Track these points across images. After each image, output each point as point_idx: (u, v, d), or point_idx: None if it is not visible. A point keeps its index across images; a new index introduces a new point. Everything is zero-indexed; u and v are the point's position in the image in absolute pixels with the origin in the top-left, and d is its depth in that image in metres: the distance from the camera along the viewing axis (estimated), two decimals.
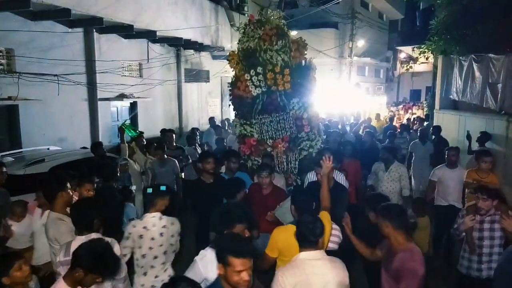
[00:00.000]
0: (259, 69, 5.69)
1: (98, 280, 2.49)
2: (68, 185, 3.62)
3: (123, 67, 9.62)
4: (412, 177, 7.82)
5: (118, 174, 5.16)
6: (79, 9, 7.25)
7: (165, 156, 6.38)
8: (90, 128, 8.76)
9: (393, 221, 2.87)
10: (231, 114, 14.26)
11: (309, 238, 2.62)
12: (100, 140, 8.32)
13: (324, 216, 3.26)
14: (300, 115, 5.77)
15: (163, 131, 8.07)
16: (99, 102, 8.80)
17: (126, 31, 8.82)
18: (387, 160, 5.90)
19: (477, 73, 8.73)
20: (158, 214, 3.40)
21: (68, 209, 3.58)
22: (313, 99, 6.03)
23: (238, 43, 6.06)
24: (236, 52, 6.04)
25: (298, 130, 5.80)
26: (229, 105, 6.13)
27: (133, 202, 5.12)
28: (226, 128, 10.71)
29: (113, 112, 9.79)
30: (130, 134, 6.94)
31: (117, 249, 3.06)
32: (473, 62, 8.86)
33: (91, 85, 8.56)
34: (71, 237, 3.17)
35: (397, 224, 2.86)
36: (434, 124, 10.39)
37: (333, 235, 3.33)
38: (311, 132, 5.86)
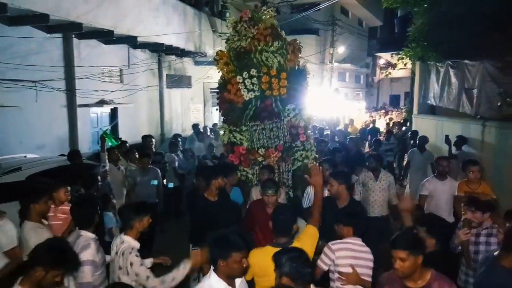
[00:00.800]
0: (253, 71, 5.24)
1: (58, 279, 2.46)
2: (45, 196, 3.57)
3: (103, 73, 9.50)
4: (408, 187, 7.66)
5: (99, 183, 5.10)
6: (58, 14, 7.14)
7: (149, 165, 6.18)
8: (69, 135, 8.58)
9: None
10: (214, 119, 14.26)
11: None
12: (79, 147, 8.18)
13: (308, 233, 3.08)
14: (296, 123, 5.38)
15: (144, 137, 8.01)
16: (78, 109, 8.64)
17: (107, 36, 8.72)
18: (375, 168, 5.66)
19: (453, 79, 9.00)
20: (130, 244, 3.07)
21: (43, 220, 3.55)
22: (309, 106, 5.71)
23: (227, 42, 5.57)
24: (225, 52, 5.54)
25: (293, 139, 5.39)
26: (217, 109, 5.78)
27: (114, 210, 5.04)
28: (209, 133, 10.69)
29: (93, 118, 9.64)
30: (110, 143, 6.81)
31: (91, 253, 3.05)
32: (449, 68, 9.13)
33: (70, 91, 8.41)
34: None
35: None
36: (412, 129, 10.63)
37: (363, 265, 3.04)
38: (307, 142, 5.46)
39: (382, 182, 5.57)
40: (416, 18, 9.78)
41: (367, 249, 3.13)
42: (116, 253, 3.08)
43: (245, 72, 5.24)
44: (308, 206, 4.54)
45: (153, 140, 7.93)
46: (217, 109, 5.75)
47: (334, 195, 3.89)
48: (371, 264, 3.10)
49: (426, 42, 9.26)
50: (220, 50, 5.65)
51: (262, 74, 5.21)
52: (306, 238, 3.05)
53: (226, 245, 2.44)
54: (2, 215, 3.49)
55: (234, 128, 5.45)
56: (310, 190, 4.57)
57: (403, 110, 15.31)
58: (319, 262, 3.08)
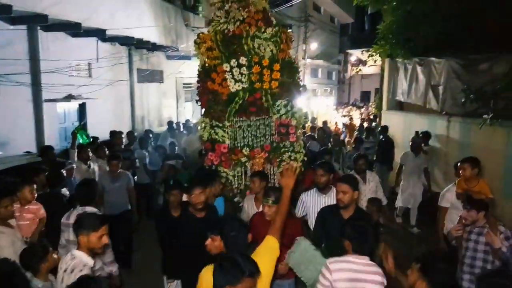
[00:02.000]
0: (243, 60, 4.62)
1: None
2: (4, 199, 3.38)
3: (70, 66, 9.19)
4: (400, 192, 7.32)
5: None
6: (23, 5, 6.84)
7: (119, 168, 5.49)
8: (35, 132, 8.27)
9: None
10: (187, 115, 14.11)
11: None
12: (46, 144, 7.90)
13: (267, 246, 2.63)
14: (286, 121, 4.76)
15: (112, 133, 7.83)
16: (44, 104, 8.33)
17: (74, 29, 8.42)
18: (363, 170, 5.28)
19: (420, 76, 9.27)
20: (82, 260, 2.66)
21: (9, 221, 3.42)
22: (300, 103, 5.16)
23: (212, 24, 4.88)
24: (208, 35, 4.82)
25: (282, 139, 4.79)
26: (197, 101, 5.07)
27: None
28: (181, 129, 10.58)
29: (60, 114, 9.33)
30: (82, 140, 6.59)
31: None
32: (416, 65, 9.41)
33: (36, 86, 8.10)
34: (13, 250, 3.03)
35: None
36: (382, 124, 10.89)
37: (372, 281, 2.57)
38: (296, 143, 4.86)
39: (370, 184, 5.24)
40: (385, 16, 10.00)
41: (375, 269, 2.62)
42: (65, 270, 2.60)
43: (233, 60, 4.62)
44: (303, 215, 4.20)
45: (123, 136, 7.77)
46: (196, 101, 5.12)
47: (347, 203, 3.39)
48: None
49: (395, 39, 9.50)
50: (202, 33, 4.99)
51: (253, 63, 4.63)
52: (264, 251, 2.61)
53: (236, 271, 2.09)
54: None
55: (216, 123, 4.81)
56: (304, 197, 4.16)
57: (372, 106, 15.64)
58: (318, 285, 2.65)
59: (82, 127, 8.26)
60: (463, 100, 7.08)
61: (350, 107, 21.47)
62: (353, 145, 8.54)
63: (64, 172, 5.32)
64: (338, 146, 8.18)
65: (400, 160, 7.31)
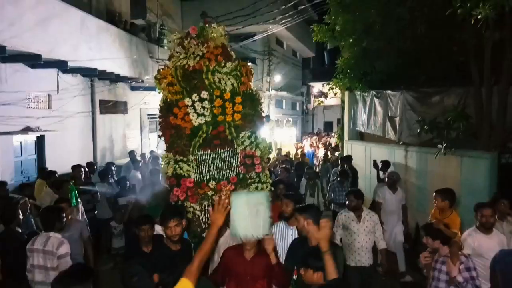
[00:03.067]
0: (204, 94, 4.66)
1: None
2: None
3: (28, 98, 8.91)
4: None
5: (20, 216, 4.70)
6: None
7: (69, 214, 4.67)
8: None
9: None
10: (151, 146, 13.89)
11: None
12: (0, 178, 7.49)
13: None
14: (251, 152, 4.77)
15: (73, 167, 7.53)
16: None
17: (34, 60, 8.23)
18: (357, 207, 4.92)
19: (378, 108, 9.73)
20: None
21: None
22: (264, 134, 5.14)
23: (172, 60, 4.91)
24: (169, 70, 4.84)
25: (247, 170, 4.77)
26: (159, 136, 5.02)
27: None
28: (147, 161, 10.38)
29: (16, 147, 8.92)
30: (74, 200, 6.21)
31: None
32: (374, 97, 9.88)
33: None
34: None
35: None
36: (345, 154, 11.21)
37: None
38: (262, 173, 4.84)
39: (366, 223, 4.87)
40: (343, 51, 10.52)
41: None
42: None
43: (195, 95, 4.66)
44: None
45: (82, 169, 7.47)
46: (159, 136, 5.04)
47: (303, 232, 3.38)
48: None
49: (353, 73, 9.98)
50: (163, 68, 5.02)
51: (214, 97, 4.67)
52: None
53: None
54: None
55: (181, 158, 4.74)
56: (273, 230, 4.00)
57: (335, 136, 16.11)
58: None
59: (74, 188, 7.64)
60: (418, 131, 7.46)
61: (315, 137, 21.99)
62: (337, 178, 7.96)
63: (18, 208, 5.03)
64: (313, 179, 7.75)
65: (376, 196, 6.80)
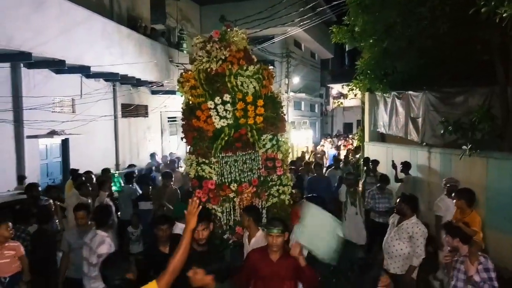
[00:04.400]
0: (227, 97, 4.73)
1: None
2: None
3: (54, 103, 9.17)
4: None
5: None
6: (6, 43, 6.88)
7: (87, 222, 4.60)
8: (16, 168, 8.11)
9: None
10: (171, 149, 14.07)
11: None
12: (27, 180, 7.73)
13: None
14: (272, 155, 4.81)
15: (85, 172, 7.63)
16: (26, 140, 8.23)
17: (58, 66, 8.49)
18: (400, 212, 4.78)
19: (400, 108, 9.57)
20: None
21: None
22: (286, 137, 5.11)
23: (194, 64, 4.95)
24: (191, 73, 4.88)
25: (269, 173, 4.81)
26: (182, 138, 5.08)
27: None
28: (168, 163, 10.50)
29: (42, 150, 9.20)
30: (115, 187, 6.45)
31: None
32: (395, 98, 9.73)
33: (18, 122, 8.02)
34: None
35: None
36: (364, 156, 11.07)
37: None
38: (284, 176, 4.87)
39: (401, 230, 4.72)
40: (363, 52, 10.40)
41: None
42: None
43: (218, 97, 4.70)
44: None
45: (93, 176, 7.48)
46: (182, 138, 5.09)
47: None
48: None
49: (373, 74, 9.84)
50: (185, 71, 5.05)
51: (236, 100, 4.72)
52: None
53: None
54: None
55: (203, 160, 4.78)
56: (295, 231, 3.92)
57: (355, 138, 15.92)
58: None
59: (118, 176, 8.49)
60: (442, 132, 7.30)
61: (335, 139, 21.83)
62: (377, 184, 7.19)
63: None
64: (353, 186, 6.93)
65: (437, 209, 5.89)
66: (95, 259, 3.96)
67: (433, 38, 7.57)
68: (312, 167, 9.13)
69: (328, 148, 17.97)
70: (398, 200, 4.95)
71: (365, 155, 11.18)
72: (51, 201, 5.99)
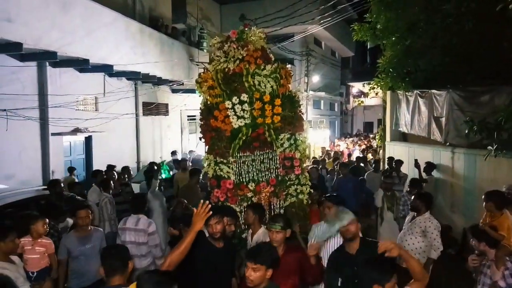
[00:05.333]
0: (244, 97, 4.73)
1: None
2: (11, 234, 3.37)
3: (77, 101, 9.39)
4: None
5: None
6: (32, 43, 7.08)
7: (89, 225, 4.32)
8: (41, 164, 8.35)
9: None
10: (191, 147, 14.21)
11: None
12: (52, 177, 7.96)
13: None
14: (290, 154, 4.80)
15: (108, 167, 7.80)
16: (51, 137, 8.47)
17: (82, 65, 8.68)
18: (414, 208, 4.83)
19: (422, 108, 9.35)
20: None
21: (12, 257, 3.39)
22: (303, 136, 5.11)
23: (212, 64, 4.97)
24: (209, 74, 4.89)
25: (287, 172, 4.81)
26: (200, 138, 5.13)
27: None
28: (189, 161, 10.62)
29: (66, 147, 9.43)
30: (164, 175, 6.67)
31: None
32: (418, 97, 9.51)
33: (43, 120, 8.25)
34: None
35: None
36: (387, 156, 10.89)
37: None
38: (302, 175, 4.86)
39: (414, 225, 4.83)
40: (385, 50, 10.23)
41: None
42: None
43: (235, 97, 4.71)
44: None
45: (115, 172, 7.62)
46: (200, 138, 5.14)
47: (349, 235, 3.20)
48: None
49: (395, 73, 9.67)
50: (203, 72, 5.06)
51: (254, 100, 4.73)
52: None
53: None
54: None
55: (221, 159, 4.81)
56: (315, 230, 4.06)
57: (376, 137, 15.68)
58: None
59: (174, 160, 9.62)
60: (466, 132, 7.10)
61: (355, 138, 21.57)
62: (407, 188, 6.80)
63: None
64: (391, 190, 6.48)
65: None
66: (145, 238, 4.47)
67: (458, 36, 7.38)
68: (337, 167, 8.98)
69: (344, 148, 17.69)
70: (413, 197, 4.97)
71: (387, 155, 11.00)
72: (73, 195, 6.17)
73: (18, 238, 3.51)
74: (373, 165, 9.91)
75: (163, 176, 7.44)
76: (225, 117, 4.76)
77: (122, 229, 4.59)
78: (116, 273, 2.58)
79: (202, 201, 2.75)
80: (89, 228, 4.31)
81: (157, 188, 7.16)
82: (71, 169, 8.43)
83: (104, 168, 7.95)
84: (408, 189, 6.57)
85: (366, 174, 9.16)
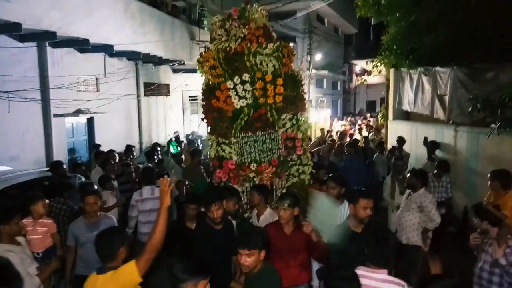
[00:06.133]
0: (246, 76, 4.69)
1: None
2: (15, 216, 3.37)
3: (78, 82, 9.34)
4: None
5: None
6: (31, 23, 6.99)
7: (98, 211, 4.09)
8: (44, 146, 8.39)
9: None
10: (193, 127, 14.20)
11: None
12: (55, 158, 7.99)
13: (125, 271, 2.46)
14: (292, 134, 4.78)
15: (107, 151, 7.74)
16: (53, 119, 8.46)
17: (82, 45, 8.59)
18: (410, 186, 4.98)
19: (426, 86, 9.26)
20: None
21: (17, 238, 3.43)
22: (306, 116, 5.08)
23: (214, 43, 4.89)
24: (211, 53, 4.81)
25: (289, 153, 4.79)
26: (202, 119, 5.08)
27: None
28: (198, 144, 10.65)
29: (68, 128, 9.45)
30: (173, 151, 6.85)
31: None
32: (422, 75, 9.40)
33: (45, 101, 8.23)
34: (22, 268, 3.04)
35: None
36: (389, 135, 10.85)
37: None
38: (303, 156, 4.84)
39: (410, 202, 4.95)
40: (389, 26, 10.05)
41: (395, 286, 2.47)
42: None
43: (237, 77, 4.68)
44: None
45: (116, 154, 7.53)
46: (202, 119, 5.10)
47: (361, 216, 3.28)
48: None
49: (399, 50, 9.51)
50: (205, 51, 5.04)
51: (256, 79, 4.68)
52: (118, 275, 2.45)
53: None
54: None
55: (223, 140, 4.81)
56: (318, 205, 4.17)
57: (379, 116, 15.58)
58: None
59: (176, 139, 10.22)
60: (470, 110, 7.05)
61: (357, 117, 21.41)
62: (434, 171, 6.27)
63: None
64: (402, 172, 6.24)
65: None
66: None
67: (464, 11, 7.22)
68: (345, 146, 8.89)
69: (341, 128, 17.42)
70: (409, 175, 5.09)
71: (389, 134, 10.97)
72: (82, 178, 6.21)
73: (21, 220, 3.54)
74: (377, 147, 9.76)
75: (172, 151, 7.69)
76: (226, 97, 4.74)
77: (140, 200, 5.00)
78: (107, 260, 2.62)
79: (162, 178, 2.73)
80: (98, 214, 4.10)
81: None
82: (97, 146, 8.85)
83: (106, 149, 7.99)
84: (436, 171, 6.20)
85: (375, 156, 8.98)
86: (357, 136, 13.16)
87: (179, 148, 9.24)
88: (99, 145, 8.73)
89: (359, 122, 19.44)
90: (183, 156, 8.28)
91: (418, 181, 4.85)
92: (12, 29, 6.89)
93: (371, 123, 16.95)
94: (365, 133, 14.66)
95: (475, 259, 3.83)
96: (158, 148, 8.80)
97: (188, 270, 2.20)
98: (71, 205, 4.87)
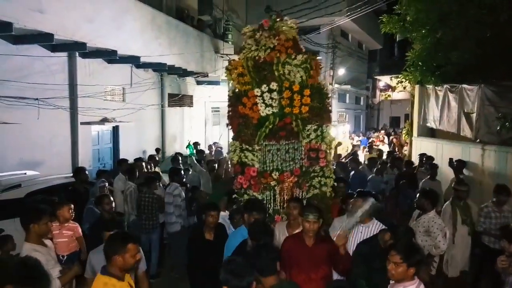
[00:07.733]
0: (274, 85, 4.77)
1: None
2: (45, 216, 3.48)
3: (106, 91, 9.61)
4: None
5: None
6: (63, 34, 7.27)
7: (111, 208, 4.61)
8: (70, 153, 8.62)
9: None
10: (214, 138, 14.32)
11: None
12: (80, 164, 8.19)
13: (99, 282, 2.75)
14: (316, 145, 4.75)
15: (135, 160, 7.91)
16: (80, 126, 8.71)
17: (110, 56, 8.86)
18: (420, 207, 4.77)
19: (452, 103, 9.07)
20: None
21: (44, 240, 3.51)
22: (330, 129, 5.04)
23: (243, 51, 4.98)
24: (239, 61, 4.91)
25: (311, 163, 4.75)
26: (228, 127, 5.17)
27: None
28: (212, 153, 10.73)
29: (94, 136, 9.69)
30: (189, 152, 7.82)
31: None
32: (448, 92, 9.22)
33: (73, 109, 8.50)
34: (46, 269, 3.09)
35: None
36: (413, 152, 10.63)
37: None
38: (326, 168, 4.78)
39: (419, 224, 4.74)
40: (415, 43, 9.94)
41: None
42: None
43: (264, 85, 4.75)
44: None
45: (144, 163, 7.74)
46: (227, 125, 5.17)
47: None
48: None
49: (425, 66, 9.39)
50: (234, 60, 5.11)
51: (283, 89, 4.74)
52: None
53: None
54: None
55: (246, 146, 4.84)
56: (336, 224, 4.11)
57: (403, 132, 15.28)
58: None
59: (194, 144, 10.75)
60: (498, 128, 6.85)
61: (380, 132, 21.05)
62: (493, 198, 5.35)
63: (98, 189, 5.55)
64: (464, 198, 5.59)
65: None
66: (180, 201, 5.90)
67: (491, 28, 7.08)
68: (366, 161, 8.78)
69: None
70: (418, 195, 4.89)
71: (413, 151, 10.75)
72: (106, 184, 6.33)
73: (50, 221, 3.64)
74: (429, 171, 7.70)
75: (188, 152, 8.62)
76: (253, 104, 4.80)
77: (167, 193, 5.95)
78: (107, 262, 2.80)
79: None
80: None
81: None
82: (157, 150, 9.79)
83: (130, 157, 8.13)
84: (494, 199, 5.27)
85: (422, 182, 7.42)
86: (361, 152, 12.90)
87: (194, 151, 9.70)
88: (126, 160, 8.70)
89: (372, 137, 18.99)
90: (215, 164, 8.29)
91: (428, 202, 4.61)
92: (45, 39, 7.19)
93: (394, 140, 16.64)
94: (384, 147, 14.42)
95: (502, 283, 3.68)
96: (180, 158, 8.88)
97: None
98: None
